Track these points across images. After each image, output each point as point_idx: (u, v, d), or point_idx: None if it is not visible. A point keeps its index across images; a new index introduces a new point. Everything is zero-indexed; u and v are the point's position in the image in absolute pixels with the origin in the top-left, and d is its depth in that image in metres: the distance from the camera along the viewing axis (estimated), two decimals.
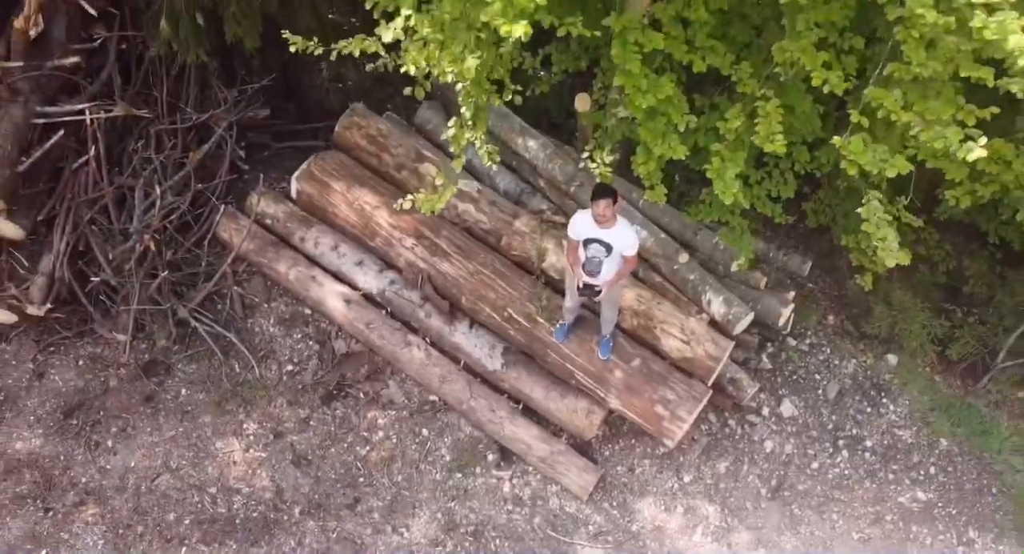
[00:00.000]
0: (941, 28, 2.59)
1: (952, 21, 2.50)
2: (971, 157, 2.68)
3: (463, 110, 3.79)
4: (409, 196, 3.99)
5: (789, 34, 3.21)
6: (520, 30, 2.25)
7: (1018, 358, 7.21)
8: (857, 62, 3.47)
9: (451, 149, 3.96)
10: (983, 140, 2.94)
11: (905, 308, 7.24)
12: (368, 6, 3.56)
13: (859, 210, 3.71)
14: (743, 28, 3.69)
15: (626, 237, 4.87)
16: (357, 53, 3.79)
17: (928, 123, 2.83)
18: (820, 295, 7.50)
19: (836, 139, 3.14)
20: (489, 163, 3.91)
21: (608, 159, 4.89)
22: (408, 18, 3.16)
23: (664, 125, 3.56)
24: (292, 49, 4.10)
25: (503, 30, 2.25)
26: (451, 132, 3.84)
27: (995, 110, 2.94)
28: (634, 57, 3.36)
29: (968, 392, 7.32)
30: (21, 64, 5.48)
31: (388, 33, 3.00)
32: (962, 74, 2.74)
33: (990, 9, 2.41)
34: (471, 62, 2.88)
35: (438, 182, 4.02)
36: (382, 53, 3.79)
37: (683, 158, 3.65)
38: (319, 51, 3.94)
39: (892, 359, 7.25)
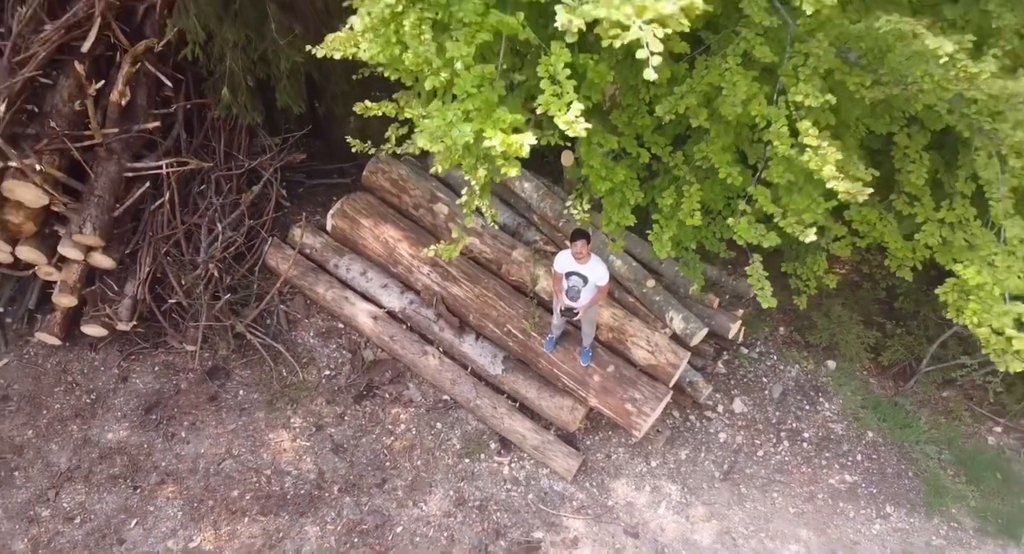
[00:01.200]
0: (793, 153, 3.90)
1: (796, 153, 3.81)
2: (806, 240, 4.03)
3: (472, 183, 5.11)
4: (432, 246, 5.33)
5: (706, 138, 4.53)
6: (515, 171, 3.55)
7: (940, 364, 8.56)
8: (754, 156, 4.76)
9: (463, 210, 5.29)
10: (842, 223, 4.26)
11: (843, 321, 8.59)
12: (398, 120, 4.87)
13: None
14: (678, 128, 4.98)
15: (598, 271, 6.22)
16: (381, 113, 5.05)
17: (791, 211, 4.16)
18: (772, 310, 8.84)
19: (730, 219, 4.48)
20: (491, 221, 5.23)
21: (587, 207, 6.22)
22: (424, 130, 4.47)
23: (620, 199, 4.89)
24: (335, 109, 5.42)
25: (503, 170, 3.55)
26: (464, 199, 5.16)
27: (834, 203, 4.27)
28: (596, 154, 4.67)
29: (897, 392, 8.67)
30: (116, 130, 6.82)
31: (419, 140, 4.27)
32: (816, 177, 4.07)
33: (816, 149, 3.71)
34: (481, 173, 4.20)
35: (454, 235, 5.36)
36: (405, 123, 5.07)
37: (633, 224, 4.96)
38: (367, 149, 5.25)
39: (831, 364, 8.60)
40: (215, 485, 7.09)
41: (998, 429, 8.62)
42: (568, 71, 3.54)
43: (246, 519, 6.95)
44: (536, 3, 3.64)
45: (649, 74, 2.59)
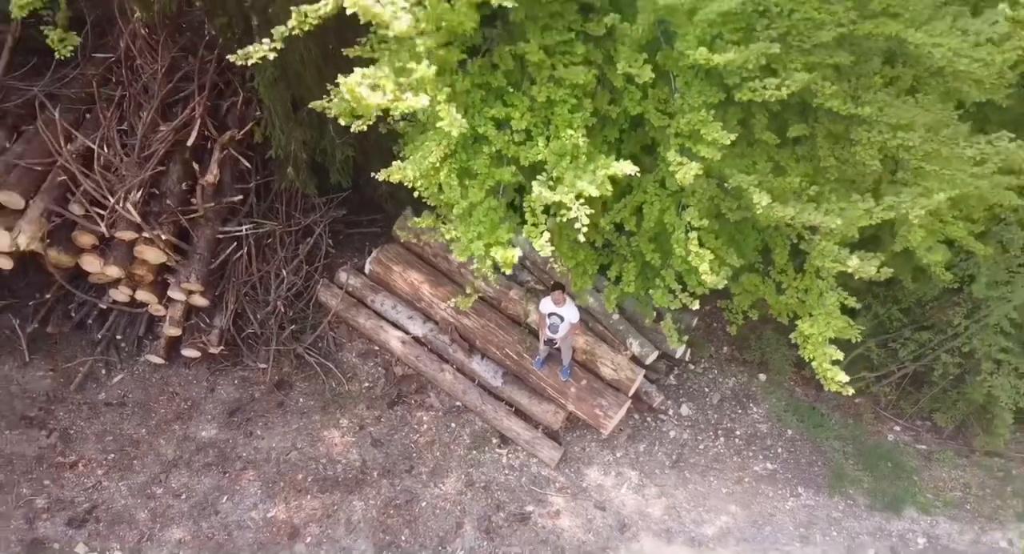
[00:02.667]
0: (684, 252, 6.15)
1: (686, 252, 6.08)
2: (693, 307, 6.22)
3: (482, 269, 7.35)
4: (452, 300, 7.58)
5: (638, 232, 6.79)
6: (509, 269, 5.75)
7: (851, 375, 10.80)
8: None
9: (474, 273, 7.55)
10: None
11: (772, 342, 10.85)
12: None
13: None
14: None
15: (572, 312, 8.49)
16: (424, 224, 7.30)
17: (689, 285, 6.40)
18: (719, 333, 11.12)
19: (651, 290, 6.73)
20: (496, 283, 7.47)
21: (569, 265, 8.48)
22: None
23: (582, 271, 7.11)
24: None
25: (502, 269, 5.74)
26: (475, 266, 7.40)
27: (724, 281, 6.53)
28: (565, 241, 6.89)
29: (817, 399, 10.93)
30: (212, 204, 9.09)
31: (455, 253, 6.46)
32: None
33: (697, 254, 5.98)
34: (488, 265, 6.43)
35: (468, 291, 7.61)
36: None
37: (592, 286, 7.21)
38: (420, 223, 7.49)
39: (762, 377, 10.87)
40: (284, 470, 9.36)
41: (897, 428, 10.89)
42: (542, 208, 5.80)
43: (308, 496, 9.22)
44: (523, 166, 5.91)
45: (579, 237, 4.86)
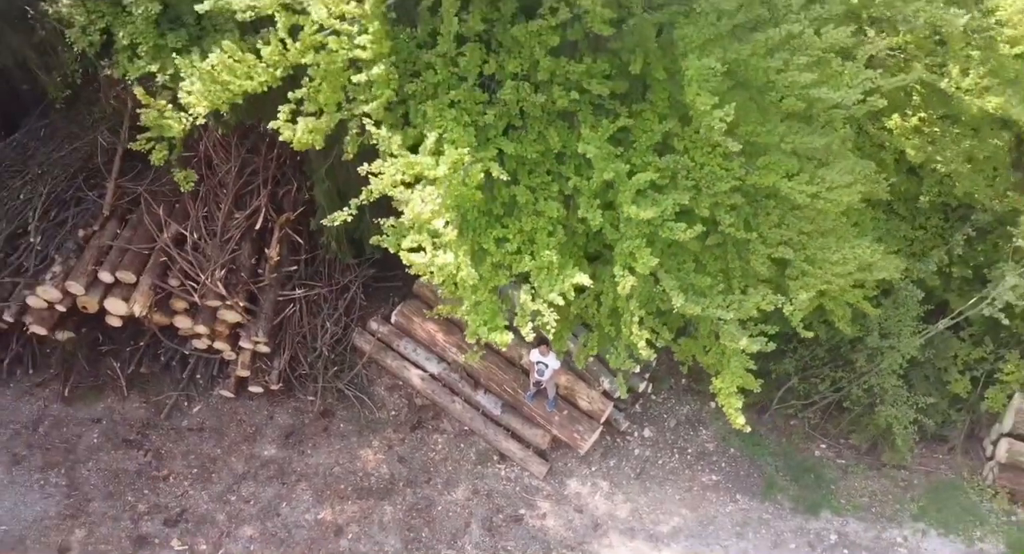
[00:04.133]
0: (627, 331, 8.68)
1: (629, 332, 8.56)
2: (634, 371, 8.67)
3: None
4: (464, 355, 10.11)
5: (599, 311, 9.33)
6: (506, 347, 8.22)
7: (784, 403, 13.34)
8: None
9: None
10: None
11: None
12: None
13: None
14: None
15: (554, 361, 11.04)
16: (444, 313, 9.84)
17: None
18: (679, 366, 13.65)
19: (607, 355, 9.27)
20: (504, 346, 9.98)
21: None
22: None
23: (558, 336, 9.64)
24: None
25: (501, 346, 8.22)
26: (473, 340, 9.91)
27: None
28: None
29: (757, 423, 13.45)
30: (275, 274, 11.65)
31: (468, 337, 9.03)
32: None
33: (635, 335, 8.47)
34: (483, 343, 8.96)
35: (476, 348, 10.13)
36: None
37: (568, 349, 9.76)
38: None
39: (712, 405, 13.40)
40: (330, 481, 11.91)
41: (823, 446, 13.42)
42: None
43: (349, 502, 11.77)
44: (512, 274, 8.46)
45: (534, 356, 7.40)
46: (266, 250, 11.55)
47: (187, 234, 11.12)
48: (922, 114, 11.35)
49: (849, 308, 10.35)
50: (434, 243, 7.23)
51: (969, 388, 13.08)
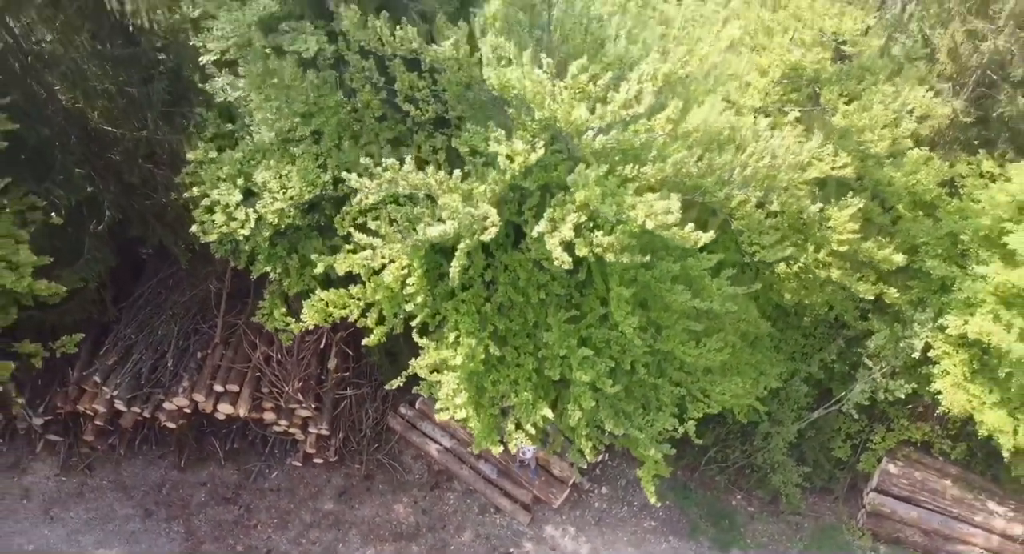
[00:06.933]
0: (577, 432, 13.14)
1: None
2: (582, 464, 13.10)
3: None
4: (471, 446, 14.61)
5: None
6: (496, 452, 12.53)
7: (709, 465, 17.88)
8: None
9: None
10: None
11: None
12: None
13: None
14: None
15: (532, 450, 15.59)
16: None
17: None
18: None
19: (570, 452, 13.76)
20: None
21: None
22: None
23: (534, 439, 14.17)
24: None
25: (494, 453, 12.54)
26: (477, 451, 14.43)
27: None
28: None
29: (689, 480, 18.01)
30: (334, 380, 16.19)
31: (475, 448, 13.51)
32: None
33: (584, 436, 12.93)
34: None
35: (478, 438, 14.64)
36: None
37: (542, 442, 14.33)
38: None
39: None
40: (372, 528, 16.47)
41: (739, 496, 17.98)
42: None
43: (387, 543, 16.34)
44: (502, 407, 13.03)
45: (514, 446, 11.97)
46: (327, 363, 16.11)
47: (273, 355, 15.66)
48: (799, 265, 15.86)
49: (746, 405, 14.90)
50: (455, 406, 11.79)
51: (849, 452, 17.65)
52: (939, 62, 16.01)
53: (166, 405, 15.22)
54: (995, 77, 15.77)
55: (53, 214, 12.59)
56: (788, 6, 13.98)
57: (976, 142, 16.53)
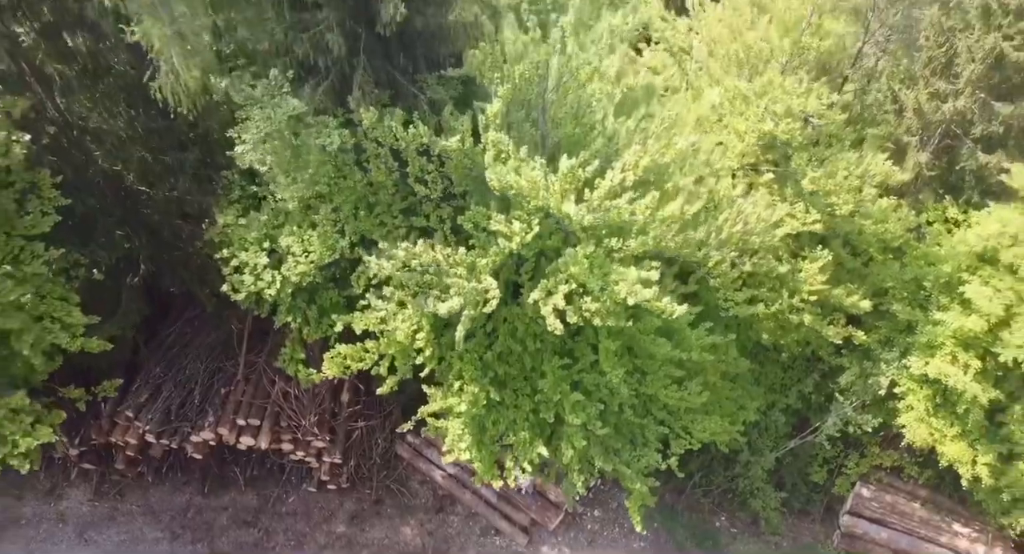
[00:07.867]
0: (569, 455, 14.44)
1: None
2: (576, 496, 14.42)
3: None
4: (474, 477, 15.93)
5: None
6: (497, 486, 13.81)
7: (695, 489, 19.20)
8: None
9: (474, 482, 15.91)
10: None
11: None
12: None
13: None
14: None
15: (529, 478, 16.92)
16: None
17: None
18: None
19: (563, 483, 15.05)
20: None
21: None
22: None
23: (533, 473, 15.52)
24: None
25: (495, 486, 13.83)
26: (480, 484, 15.73)
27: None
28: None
29: (676, 503, 19.34)
30: (346, 414, 17.51)
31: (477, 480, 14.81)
32: None
33: (575, 469, 14.22)
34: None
35: (481, 472, 15.95)
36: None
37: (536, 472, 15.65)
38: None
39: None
40: (383, 549, 17.80)
41: (723, 518, 19.32)
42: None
43: None
44: (501, 445, 14.36)
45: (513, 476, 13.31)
46: (340, 397, 17.43)
47: (290, 391, 16.98)
48: (775, 308, 17.18)
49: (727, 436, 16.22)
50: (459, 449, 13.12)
51: (826, 477, 18.98)
52: (906, 118, 17.36)
53: (193, 438, 16.53)
54: (959, 131, 17.11)
55: (95, 271, 13.90)
56: (764, 74, 15.29)
57: (941, 190, 17.88)
